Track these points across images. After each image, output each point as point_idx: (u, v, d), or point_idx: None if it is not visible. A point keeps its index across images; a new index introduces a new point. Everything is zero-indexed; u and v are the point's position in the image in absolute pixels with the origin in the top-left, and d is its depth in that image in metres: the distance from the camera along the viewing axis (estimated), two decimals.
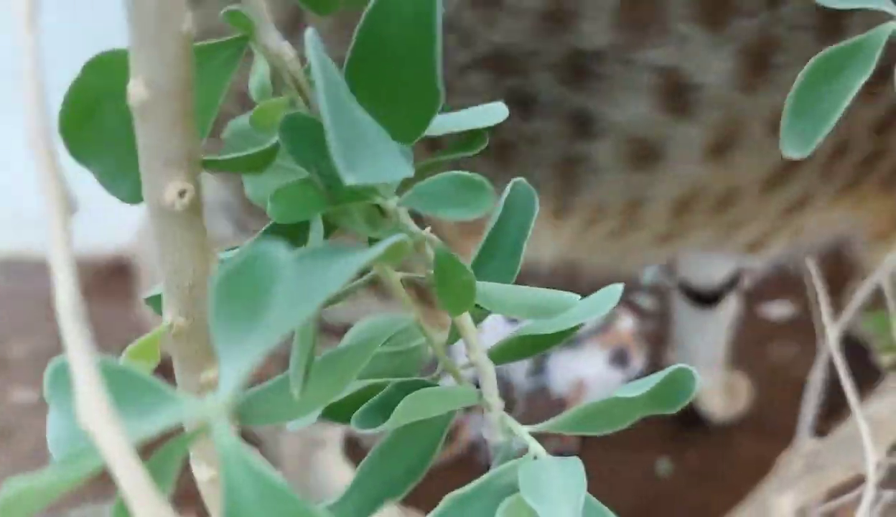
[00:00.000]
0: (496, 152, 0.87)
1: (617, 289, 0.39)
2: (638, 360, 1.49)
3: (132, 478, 0.17)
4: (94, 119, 0.30)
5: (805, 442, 0.62)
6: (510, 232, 0.39)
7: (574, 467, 0.35)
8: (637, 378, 1.24)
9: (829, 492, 0.67)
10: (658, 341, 1.57)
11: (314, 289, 0.20)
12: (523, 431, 0.38)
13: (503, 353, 0.38)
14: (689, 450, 1.32)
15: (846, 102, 0.45)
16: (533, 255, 1.03)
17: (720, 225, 0.93)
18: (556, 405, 1.43)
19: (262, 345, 0.18)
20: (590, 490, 1.19)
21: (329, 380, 0.32)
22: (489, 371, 0.36)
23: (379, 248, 0.23)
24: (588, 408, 0.38)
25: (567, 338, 0.39)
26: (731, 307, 1.36)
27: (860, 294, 0.69)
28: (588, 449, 1.37)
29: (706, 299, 1.33)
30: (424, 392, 0.35)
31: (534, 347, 0.38)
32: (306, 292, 0.20)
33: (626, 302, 1.64)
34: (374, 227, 0.32)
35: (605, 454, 1.35)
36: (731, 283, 1.31)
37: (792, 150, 0.46)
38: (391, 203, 0.30)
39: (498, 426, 0.38)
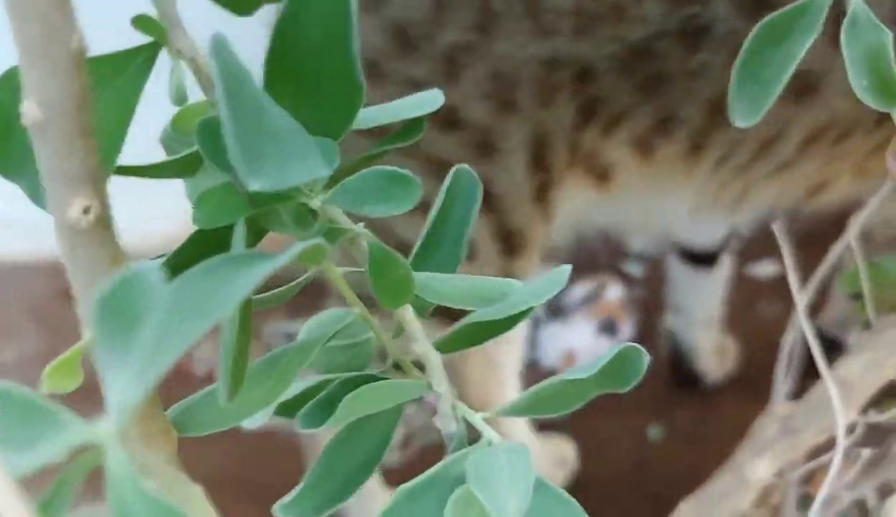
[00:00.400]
0: (649, 84, 0.85)
1: (565, 270, 0.39)
2: (627, 329, 1.48)
3: (14, 512, 0.16)
4: (10, 134, 0.29)
5: (780, 405, 0.62)
6: (453, 220, 0.38)
7: (523, 454, 0.34)
8: None
9: (809, 454, 0.67)
10: (648, 308, 1.57)
11: (203, 308, 0.20)
12: (477, 418, 0.38)
13: (451, 343, 0.38)
14: (680, 414, 1.32)
15: (793, 67, 0.45)
16: (666, 217, 1.02)
17: (824, 159, 0.92)
18: (547, 377, 1.42)
19: (142, 372, 0.17)
20: (582, 455, 1.19)
21: (270, 382, 0.32)
22: (436, 361, 0.36)
23: (286, 256, 0.23)
24: (541, 390, 0.38)
25: (518, 323, 0.39)
26: (725, 267, 1.36)
27: (831, 255, 0.69)
28: (580, 416, 1.37)
29: (704, 260, 1.33)
30: (369, 387, 0.34)
31: (483, 335, 0.38)
32: (191, 312, 0.19)
33: (615, 270, 1.64)
34: (305, 228, 0.31)
35: (596, 420, 1.36)
36: (727, 243, 1.31)
37: (741, 119, 0.46)
38: (316, 202, 0.30)
39: (450, 414, 0.37)
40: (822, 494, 0.52)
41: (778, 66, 0.44)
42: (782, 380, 0.65)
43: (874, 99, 0.43)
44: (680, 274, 1.36)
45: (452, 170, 0.39)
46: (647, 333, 1.49)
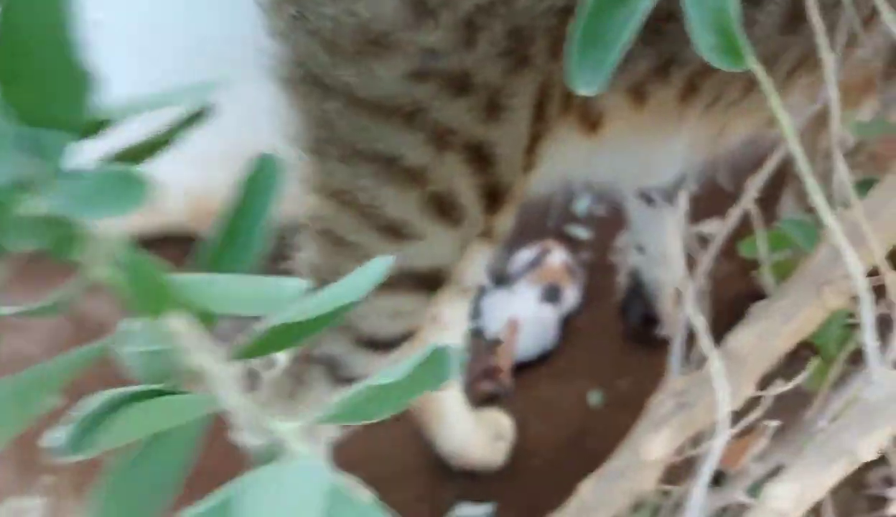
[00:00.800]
0: (655, 25, 0.84)
1: (383, 262, 0.35)
2: (571, 294, 1.44)
3: None
4: None
5: (674, 379, 0.58)
6: (252, 213, 0.34)
7: (316, 472, 0.30)
8: (570, 311, 1.19)
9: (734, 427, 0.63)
10: (594, 272, 1.53)
11: None
12: (285, 429, 0.34)
13: (252, 350, 0.34)
14: (619, 380, 1.29)
15: (634, 27, 0.40)
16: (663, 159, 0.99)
17: (803, 88, 0.90)
18: (492, 345, 1.39)
19: None
20: (525, 423, 1.13)
21: (12, 407, 0.28)
22: (222, 375, 0.32)
23: None
24: (352, 398, 0.34)
25: (328, 323, 0.35)
26: (683, 203, 1.35)
27: (729, 220, 0.65)
28: (522, 385, 1.34)
29: (663, 197, 1.31)
30: (136, 408, 0.30)
31: (288, 339, 0.34)
32: None
33: (560, 234, 1.59)
34: (38, 233, 0.27)
35: (539, 388, 1.32)
36: (680, 182, 1.30)
37: (583, 87, 0.41)
38: (32, 207, 0.26)
39: (249, 428, 0.33)
40: (705, 472, 0.49)
41: (621, 25, 0.40)
42: (677, 354, 0.61)
43: (721, 59, 0.39)
44: (642, 217, 1.35)
45: (255, 156, 0.35)
46: (592, 298, 1.45)
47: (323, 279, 0.85)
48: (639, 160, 0.98)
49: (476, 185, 0.84)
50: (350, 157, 0.81)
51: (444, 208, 0.84)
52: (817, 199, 0.43)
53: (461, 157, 0.82)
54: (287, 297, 0.31)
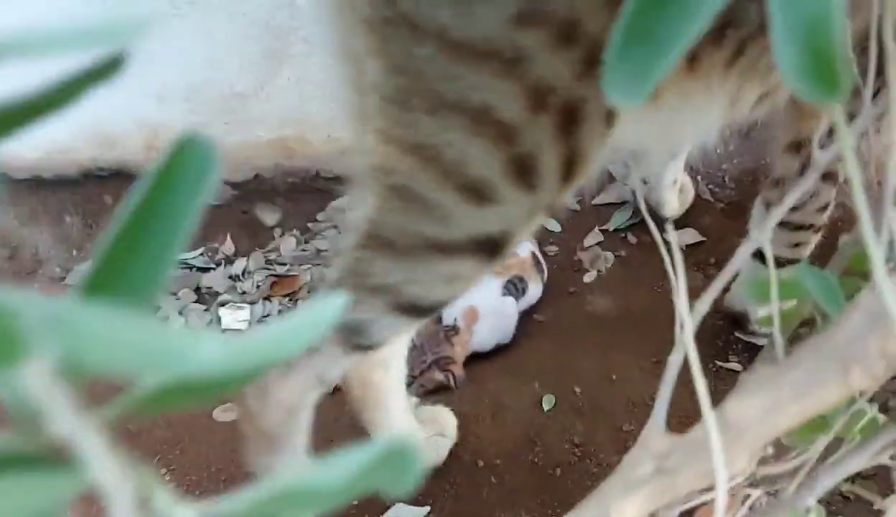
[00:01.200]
0: None
1: (338, 301, 0.25)
2: (535, 288, 1.35)
3: None
4: None
5: (656, 437, 0.49)
6: (171, 210, 0.24)
7: None
8: (532, 307, 1.09)
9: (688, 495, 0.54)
10: (561, 268, 1.44)
11: None
12: (183, 513, 0.24)
13: (141, 408, 0.24)
14: (574, 385, 1.20)
15: (697, 27, 0.31)
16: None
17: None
18: (448, 333, 1.30)
19: None
20: (472, 420, 1.03)
21: None
22: (96, 447, 0.22)
23: None
24: (268, 498, 0.24)
25: (250, 379, 0.25)
26: None
27: (738, 257, 0.56)
28: (473, 378, 1.24)
29: None
30: None
31: (192, 396, 0.24)
32: None
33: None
34: None
35: (489, 384, 1.23)
36: None
37: (620, 96, 0.31)
38: None
39: (138, 507, 0.23)
40: None
41: (682, 17, 0.30)
42: (663, 408, 0.52)
43: (807, 84, 0.29)
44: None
45: (182, 135, 0.25)
46: (553, 293, 1.36)
47: (378, 235, 0.77)
48: (674, 129, 0.93)
49: (559, 152, 0.76)
50: (439, 109, 0.72)
51: (525, 172, 0.76)
52: (867, 230, 0.34)
53: (553, 120, 0.73)
54: (200, 359, 0.21)
